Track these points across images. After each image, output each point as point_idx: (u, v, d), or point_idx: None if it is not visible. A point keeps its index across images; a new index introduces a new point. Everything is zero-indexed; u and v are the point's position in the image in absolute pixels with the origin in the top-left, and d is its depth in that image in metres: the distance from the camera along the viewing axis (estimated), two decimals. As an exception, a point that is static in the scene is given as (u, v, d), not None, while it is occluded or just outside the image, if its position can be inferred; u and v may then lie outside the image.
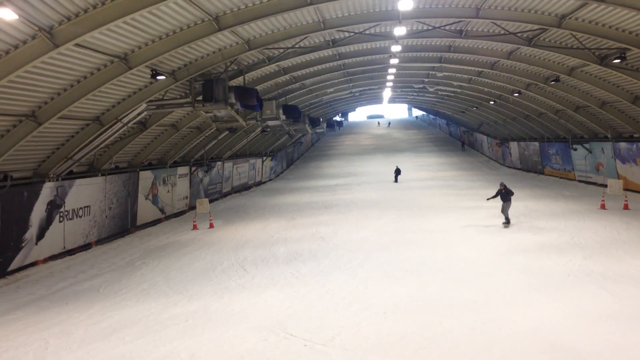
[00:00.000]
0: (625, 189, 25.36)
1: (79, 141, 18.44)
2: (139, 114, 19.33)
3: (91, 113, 18.00)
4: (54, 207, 18.52)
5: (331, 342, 9.23)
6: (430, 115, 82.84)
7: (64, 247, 19.12)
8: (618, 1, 15.11)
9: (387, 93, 45.91)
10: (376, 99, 53.99)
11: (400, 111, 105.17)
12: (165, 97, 19.84)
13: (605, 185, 26.76)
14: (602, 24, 18.02)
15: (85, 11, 12.17)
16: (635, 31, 17.79)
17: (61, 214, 18.93)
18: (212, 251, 18.57)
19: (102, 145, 19.85)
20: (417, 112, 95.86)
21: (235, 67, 21.39)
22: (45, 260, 18.00)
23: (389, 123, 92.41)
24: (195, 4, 14.28)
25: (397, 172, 41.83)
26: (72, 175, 19.75)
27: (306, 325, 10.15)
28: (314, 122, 42.75)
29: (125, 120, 19.10)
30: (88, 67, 15.15)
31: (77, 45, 13.22)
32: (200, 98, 19.51)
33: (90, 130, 18.48)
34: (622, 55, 19.46)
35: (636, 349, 8.40)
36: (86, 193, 20.48)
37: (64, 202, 19.05)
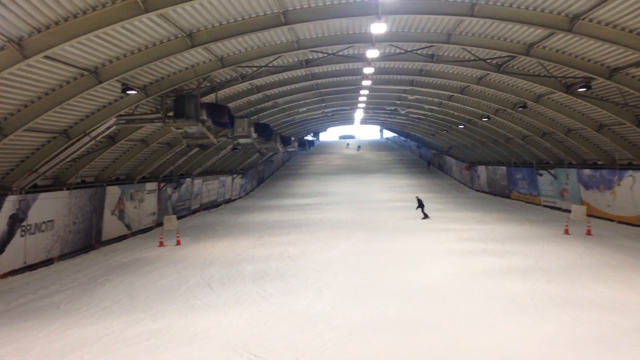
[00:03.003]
0: (589, 215, 25.87)
1: (45, 154, 18.12)
2: (108, 128, 19.11)
3: (58, 126, 17.73)
4: (15, 220, 18.08)
5: (296, 364, 9.15)
6: (402, 137, 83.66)
7: (25, 262, 18.63)
8: (584, 32, 15.58)
9: (359, 114, 46.29)
10: (348, 120, 54.41)
11: (371, 132, 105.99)
12: (135, 112, 19.65)
13: (570, 211, 27.28)
14: (569, 53, 18.56)
15: (57, 23, 12.06)
16: (600, 61, 18.36)
17: (23, 228, 18.48)
18: (178, 269, 18.31)
19: (68, 159, 19.52)
20: (388, 134, 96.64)
21: (208, 84, 21.37)
22: (5, 275, 17.52)
23: (359, 147, 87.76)
24: (169, 20, 14.27)
25: (421, 204, 31.32)
26: (36, 189, 19.36)
27: (271, 346, 10.06)
28: (286, 141, 42.87)
29: (93, 134, 18.84)
30: (57, 80, 14.97)
31: (47, 57, 13.08)
32: (171, 114, 19.37)
33: (57, 144, 18.18)
34: (588, 84, 20.04)
35: (596, 373, 8.52)
36: (50, 207, 20.06)
37: (27, 216, 18.62)
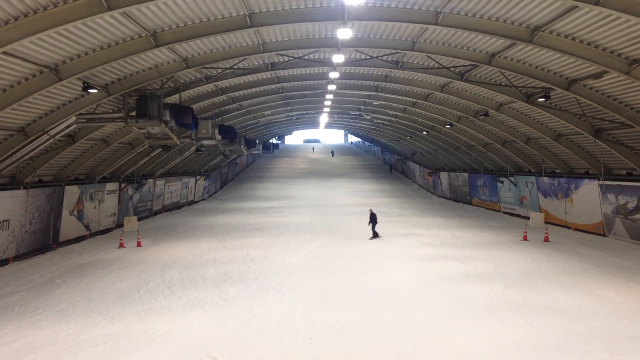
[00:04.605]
0: (546, 222, 26.49)
1: (1, 152, 17.65)
2: (68, 126, 18.72)
3: (16, 123, 17.29)
4: (-31, 219, 17.58)
5: (256, 367, 9.11)
6: (366, 142, 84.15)
7: (-22, 262, 18.12)
8: (544, 43, 15.98)
9: (324, 118, 46.41)
10: (313, 124, 54.47)
11: (336, 137, 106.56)
12: (96, 111, 19.32)
13: (528, 218, 27.87)
14: (529, 63, 18.99)
15: (16, 19, 11.81)
16: (559, 72, 18.85)
17: (-23, 228, 17.97)
18: (138, 271, 18.03)
19: (25, 157, 19.04)
20: (352, 139, 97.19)
21: (172, 85, 21.13)
22: (-44, 276, 16.99)
23: (332, 151, 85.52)
24: (132, 19, 14.08)
25: (373, 219, 25.20)
26: (-9, 187, 18.85)
27: (231, 350, 10.00)
28: (250, 144, 42.68)
29: (52, 132, 18.44)
30: (15, 76, 14.61)
31: (5, 53, 12.78)
32: (133, 114, 19.10)
33: (14, 142, 17.73)
34: (547, 94, 20.52)
35: (550, 377, 8.71)
36: (5, 206, 19.51)
37: (-19, 215, 18.12)
